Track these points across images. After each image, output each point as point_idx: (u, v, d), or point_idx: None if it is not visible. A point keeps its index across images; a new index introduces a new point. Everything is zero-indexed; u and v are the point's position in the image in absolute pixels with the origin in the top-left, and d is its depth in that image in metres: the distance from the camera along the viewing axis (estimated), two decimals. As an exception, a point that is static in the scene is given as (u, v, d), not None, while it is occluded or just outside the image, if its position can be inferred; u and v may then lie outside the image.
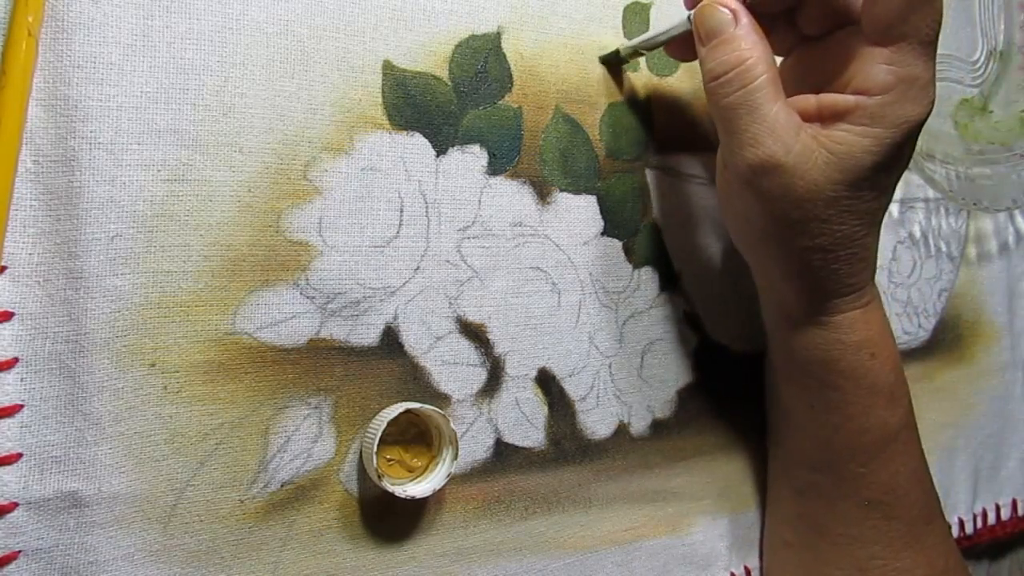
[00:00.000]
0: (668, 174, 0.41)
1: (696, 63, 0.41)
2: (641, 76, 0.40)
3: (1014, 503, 0.53)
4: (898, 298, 0.49)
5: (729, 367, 0.43)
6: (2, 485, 0.27)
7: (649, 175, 0.40)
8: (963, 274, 0.52)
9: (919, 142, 0.34)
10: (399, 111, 0.34)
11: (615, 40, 0.39)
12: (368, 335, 0.33)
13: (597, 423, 0.38)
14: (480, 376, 0.36)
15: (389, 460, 0.33)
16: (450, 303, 0.35)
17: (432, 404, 0.34)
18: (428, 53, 0.35)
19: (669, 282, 0.41)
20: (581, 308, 0.38)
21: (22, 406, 0.27)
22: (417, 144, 0.34)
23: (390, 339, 0.34)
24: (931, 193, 0.51)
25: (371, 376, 0.33)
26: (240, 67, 0.31)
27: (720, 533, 0.42)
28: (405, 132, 0.34)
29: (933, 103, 0.32)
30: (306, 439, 0.32)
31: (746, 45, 0.32)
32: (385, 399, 0.34)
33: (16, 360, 0.27)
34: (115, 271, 0.28)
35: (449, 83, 0.35)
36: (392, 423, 0.32)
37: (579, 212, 0.38)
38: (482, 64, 0.36)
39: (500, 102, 0.36)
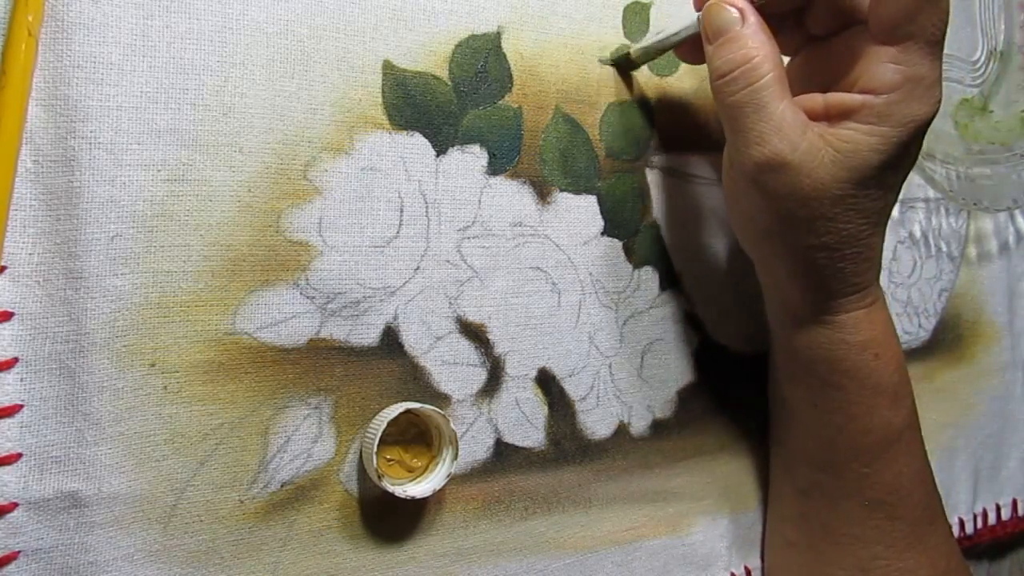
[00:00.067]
0: (668, 174, 0.41)
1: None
2: (641, 76, 0.40)
3: (1014, 503, 0.53)
4: (898, 298, 0.49)
5: (729, 367, 0.43)
6: (2, 485, 0.27)
7: (649, 175, 0.40)
8: (963, 274, 0.52)
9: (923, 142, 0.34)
10: (399, 111, 0.34)
11: (615, 40, 0.39)
12: (368, 335, 0.33)
13: (597, 423, 0.38)
14: (480, 376, 0.36)
15: (389, 460, 0.33)
16: (450, 303, 0.35)
17: (432, 404, 0.34)
18: (428, 53, 0.35)
19: (669, 282, 0.41)
20: (581, 308, 0.38)
21: (22, 406, 0.27)
22: (417, 144, 0.34)
23: (390, 339, 0.34)
24: (931, 193, 0.51)
25: (371, 376, 0.33)
26: (240, 67, 0.31)
27: (720, 533, 0.42)
28: (405, 132, 0.34)
29: (939, 102, 0.32)
30: (306, 439, 0.32)
31: (753, 43, 0.32)
32: (385, 399, 0.34)
33: (16, 360, 0.27)
34: (115, 271, 0.28)
35: (449, 83, 0.35)
36: (392, 423, 0.32)
37: (579, 212, 0.38)
38: (482, 64, 0.36)
39: (500, 102, 0.36)
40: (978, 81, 0.48)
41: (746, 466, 0.43)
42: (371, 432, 0.32)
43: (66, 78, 0.28)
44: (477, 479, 0.36)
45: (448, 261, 0.35)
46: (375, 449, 0.32)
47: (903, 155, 0.33)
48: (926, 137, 0.34)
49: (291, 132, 0.32)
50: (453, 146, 0.35)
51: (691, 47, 0.37)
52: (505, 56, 0.36)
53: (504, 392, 0.36)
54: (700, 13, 0.34)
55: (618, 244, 0.39)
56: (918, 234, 0.51)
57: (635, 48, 0.38)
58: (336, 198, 0.32)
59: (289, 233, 0.32)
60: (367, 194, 0.33)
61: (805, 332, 0.37)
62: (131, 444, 0.29)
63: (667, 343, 0.41)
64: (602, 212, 0.39)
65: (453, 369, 0.35)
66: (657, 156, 0.41)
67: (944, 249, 0.52)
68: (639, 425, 0.40)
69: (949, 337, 0.52)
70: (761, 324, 0.41)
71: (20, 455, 0.27)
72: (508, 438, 0.36)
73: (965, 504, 0.51)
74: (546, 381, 0.37)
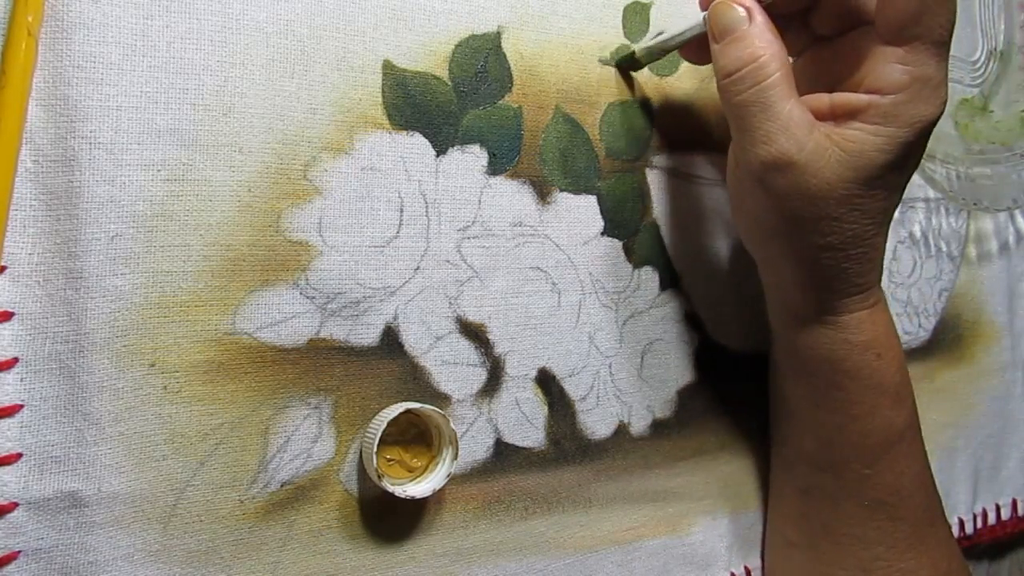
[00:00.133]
0: (668, 174, 0.41)
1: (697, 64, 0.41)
2: (642, 76, 0.40)
3: (1014, 503, 0.53)
4: (898, 298, 0.49)
5: (729, 367, 0.43)
6: (2, 485, 0.27)
7: (649, 175, 0.40)
8: (963, 274, 0.52)
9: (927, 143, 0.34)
10: (399, 111, 0.34)
11: (615, 40, 0.39)
12: (368, 335, 0.33)
13: (597, 423, 0.38)
14: (480, 376, 0.36)
15: (389, 460, 0.33)
16: (450, 303, 0.35)
17: (432, 404, 0.34)
18: (428, 53, 0.35)
19: (669, 282, 0.41)
20: (581, 308, 0.38)
21: (22, 406, 0.27)
22: (417, 144, 0.34)
23: (390, 339, 0.34)
24: (931, 193, 0.51)
25: (371, 376, 0.33)
26: (240, 67, 0.31)
27: (720, 533, 0.42)
28: (405, 132, 0.34)
29: (945, 103, 0.32)
30: (306, 439, 0.32)
31: (760, 42, 0.32)
32: (385, 399, 0.34)
33: (16, 360, 0.27)
34: (115, 271, 0.28)
35: (449, 83, 0.35)
36: (392, 423, 0.32)
37: (579, 212, 0.38)
38: (482, 64, 0.36)
39: (500, 102, 0.36)
40: (978, 81, 0.48)
41: (746, 466, 0.43)
42: (371, 432, 0.32)
43: (66, 78, 0.28)
44: (477, 479, 0.36)
45: (448, 261, 0.35)
46: (375, 449, 0.32)
47: (908, 155, 0.33)
48: (927, 137, 0.34)
49: (291, 132, 0.32)
50: (453, 146, 0.35)
51: (696, 47, 0.37)
52: (505, 56, 0.36)
53: (504, 392, 0.36)
54: (706, 12, 0.34)
55: (618, 244, 0.39)
56: (918, 234, 0.51)
57: (640, 48, 0.38)
58: (336, 198, 0.32)
59: (289, 233, 0.32)
60: (367, 194, 0.33)
61: (808, 332, 0.37)
62: (131, 444, 0.29)
63: (667, 343, 0.41)
64: (602, 212, 0.39)
65: (453, 369, 0.35)
66: (657, 156, 0.41)
67: (944, 249, 0.52)
68: (639, 425, 0.40)
69: (949, 337, 0.52)
70: (761, 324, 0.41)
71: (20, 455, 0.27)
72: (508, 438, 0.36)
73: (965, 504, 0.51)
74: (546, 381, 0.37)
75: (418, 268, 0.34)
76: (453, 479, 0.34)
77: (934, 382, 0.51)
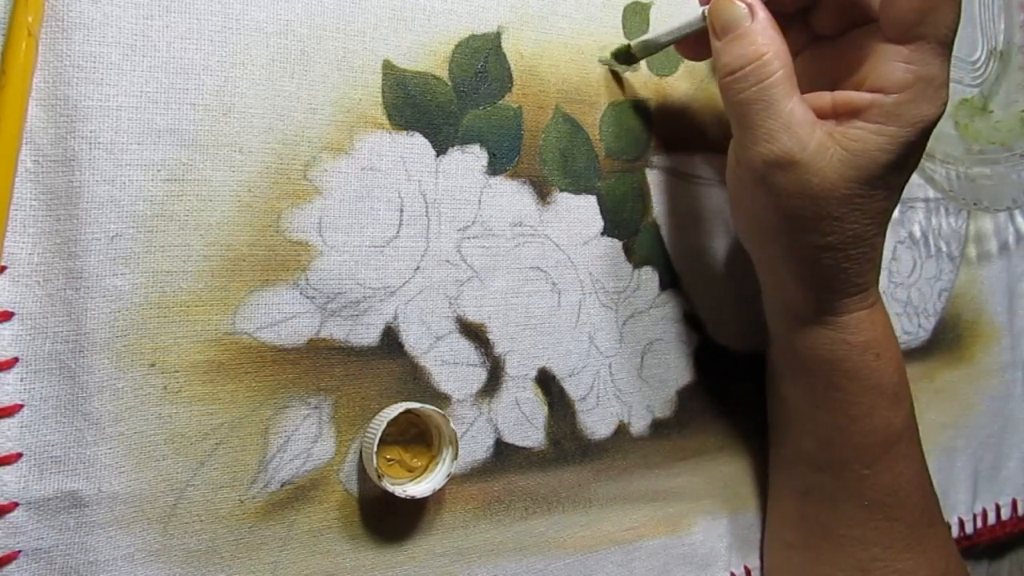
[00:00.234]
0: (668, 174, 0.41)
1: (696, 63, 0.41)
2: (641, 76, 0.40)
3: (1014, 503, 0.53)
4: (898, 298, 0.49)
5: (729, 367, 0.43)
6: (2, 485, 0.27)
7: (649, 175, 0.40)
8: (963, 274, 0.52)
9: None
10: (399, 111, 0.34)
11: (615, 40, 0.39)
12: (368, 335, 0.33)
13: (597, 423, 0.38)
14: (480, 376, 0.36)
15: (389, 460, 0.33)
16: (450, 303, 0.35)
17: (432, 404, 0.34)
18: (428, 53, 0.35)
19: (669, 282, 0.41)
20: (581, 308, 0.38)
21: (22, 406, 0.27)
22: (417, 144, 0.34)
23: (390, 339, 0.34)
24: (931, 193, 0.51)
25: (371, 376, 0.33)
26: (240, 67, 0.31)
27: (720, 533, 0.42)
28: (405, 132, 0.34)
29: (946, 104, 0.32)
30: (306, 439, 0.32)
31: (763, 40, 0.32)
32: (385, 399, 0.34)
33: (16, 360, 0.27)
34: (115, 271, 0.28)
35: (449, 83, 0.35)
36: (392, 423, 0.32)
37: (579, 212, 0.38)
38: (482, 64, 0.36)
39: (500, 102, 0.36)
40: (978, 81, 0.48)
41: (746, 466, 0.43)
42: (371, 432, 0.32)
43: (66, 78, 0.28)
44: (477, 479, 0.36)
45: (448, 261, 0.35)
46: (375, 449, 0.32)
47: (910, 155, 0.33)
48: (925, 137, 0.34)
49: (291, 132, 0.32)
50: (453, 146, 0.35)
51: (693, 43, 0.37)
52: (505, 56, 0.36)
53: (504, 392, 0.36)
54: (705, 8, 0.34)
55: (618, 244, 0.39)
56: (918, 234, 0.51)
57: (635, 42, 0.38)
58: (336, 198, 0.32)
59: (289, 233, 0.32)
60: (367, 194, 0.33)
61: (806, 332, 0.37)
62: (131, 444, 0.29)
63: (667, 343, 0.41)
64: (602, 212, 0.39)
65: (453, 369, 0.35)
66: (657, 156, 0.41)
67: (944, 249, 0.52)
68: (639, 425, 0.40)
69: (949, 337, 0.52)
70: (761, 324, 0.41)
71: (20, 455, 0.27)
72: (508, 438, 0.36)
73: (965, 504, 0.51)
74: (546, 381, 0.37)
75: (418, 268, 0.34)
76: (453, 479, 0.34)
77: (934, 382, 0.51)
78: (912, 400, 0.38)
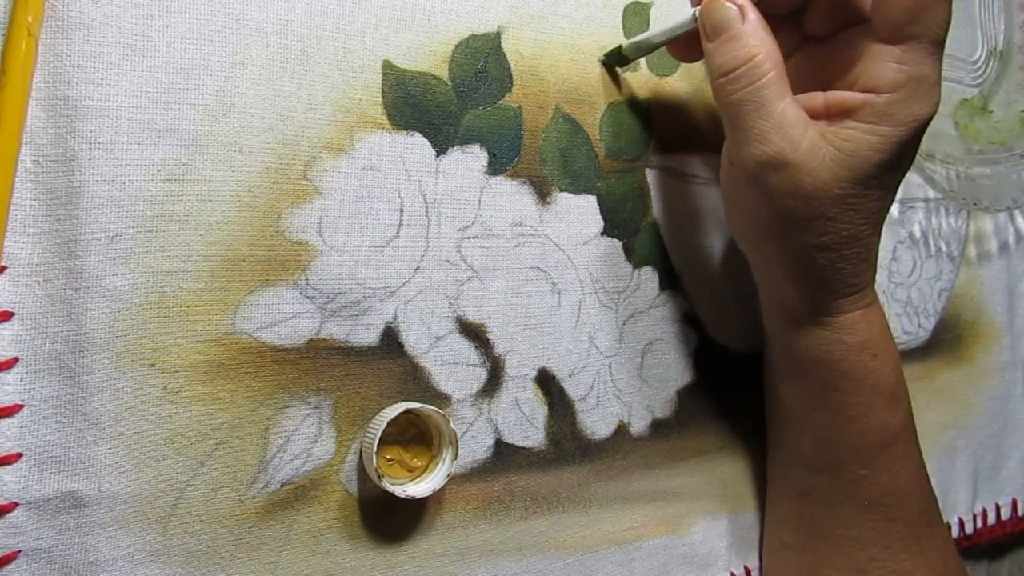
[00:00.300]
0: (668, 174, 0.41)
1: (696, 63, 0.41)
2: (641, 76, 0.40)
3: (1014, 503, 0.53)
4: (898, 298, 0.49)
5: (729, 367, 0.43)
6: (2, 485, 0.27)
7: (649, 175, 0.40)
8: (963, 274, 0.52)
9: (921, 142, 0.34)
10: (399, 111, 0.34)
11: (615, 40, 0.39)
12: (368, 335, 0.33)
13: (597, 423, 0.38)
14: (480, 376, 0.36)
15: (389, 460, 0.33)
16: (450, 303, 0.35)
17: (432, 404, 0.34)
18: (428, 53, 0.35)
19: (669, 282, 0.41)
20: (581, 308, 0.38)
21: (22, 406, 0.27)
22: (417, 144, 0.34)
23: (390, 339, 0.34)
24: (931, 193, 0.51)
25: (371, 376, 0.33)
26: (240, 67, 0.31)
27: (720, 533, 0.42)
28: (405, 132, 0.34)
29: (939, 103, 0.32)
30: (306, 439, 0.32)
31: (754, 41, 0.32)
32: (385, 399, 0.34)
33: (16, 360, 0.27)
34: (115, 271, 0.28)
35: (449, 83, 0.35)
36: (392, 423, 0.32)
37: (579, 212, 0.38)
38: (482, 64, 0.36)
39: (500, 102, 0.36)
40: (978, 81, 0.48)
41: (746, 466, 0.43)
42: (371, 432, 0.32)
43: (66, 78, 0.28)
44: (477, 479, 0.36)
45: (448, 261, 0.35)
46: (375, 449, 0.32)
47: (903, 155, 0.33)
48: (926, 137, 0.34)
49: (291, 132, 0.32)
50: (453, 146, 0.35)
51: (684, 44, 0.37)
52: (505, 56, 0.36)
53: (504, 392, 0.36)
54: (696, 9, 0.34)
55: (618, 244, 0.39)
56: (918, 234, 0.51)
57: (627, 44, 0.38)
58: (336, 198, 0.32)
59: (289, 233, 0.32)
60: (367, 194, 0.33)
61: (803, 333, 0.37)
62: (131, 444, 0.29)
63: (667, 343, 0.41)
64: (602, 212, 0.39)
65: (453, 369, 0.35)
66: (657, 156, 0.41)
67: (944, 249, 0.52)
68: (639, 425, 0.40)
69: (949, 337, 0.52)
70: (761, 324, 0.41)
71: (20, 455, 0.27)
72: (508, 438, 0.36)
73: (965, 504, 0.51)
74: (546, 381, 0.37)
75: (418, 268, 0.34)
76: (453, 479, 0.34)
77: (934, 382, 0.51)
78: (910, 400, 0.38)
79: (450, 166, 0.35)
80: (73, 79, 0.28)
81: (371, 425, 0.32)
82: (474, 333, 0.36)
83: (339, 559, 0.33)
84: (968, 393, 0.52)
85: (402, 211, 0.34)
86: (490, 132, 0.36)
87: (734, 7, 0.32)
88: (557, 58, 0.38)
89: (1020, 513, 0.53)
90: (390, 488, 0.32)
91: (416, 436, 0.34)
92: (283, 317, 0.31)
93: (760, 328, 0.42)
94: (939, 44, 0.32)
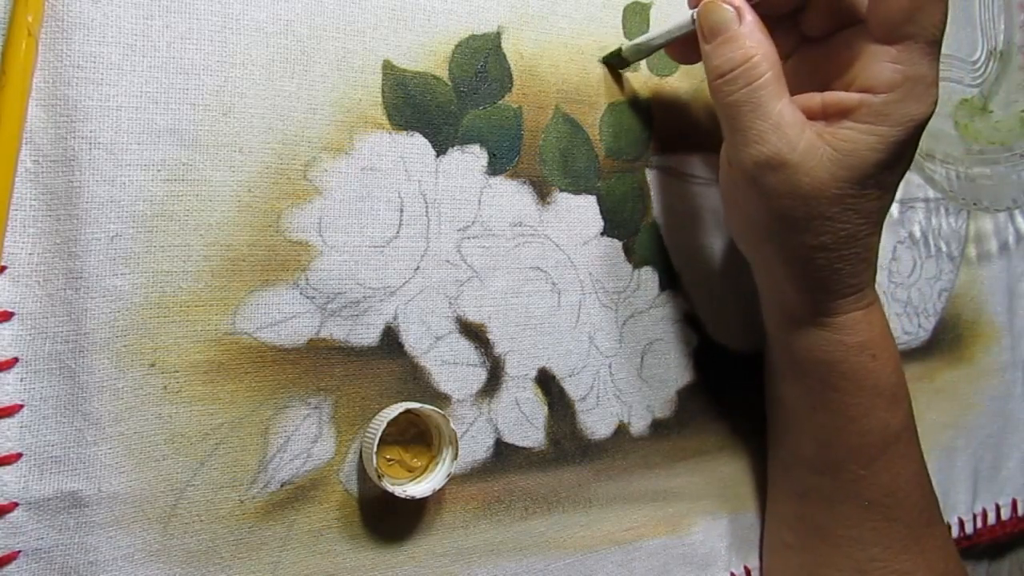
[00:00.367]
0: (668, 174, 0.41)
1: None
2: (641, 76, 0.40)
3: (1014, 503, 0.53)
4: (898, 298, 0.49)
5: (729, 367, 0.43)
6: (2, 485, 0.27)
7: (649, 175, 0.40)
8: (963, 274, 0.52)
9: (919, 142, 0.34)
10: (399, 111, 0.34)
11: (615, 40, 0.39)
12: (368, 335, 0.33)
13: (597, 423, 0.38)
14: (480, 376, 0.36)
15: (389, 460, 0.33)
16: (450, 303, 0.35)
17: (432, 404, 0.34)
18: (428, 53, 0.35)
19: (669, 282, 0.41)
20: (581, 308, 0.38)
21: (22, 406, 0.27)
22: (417, 144, 0.34)
23: (390, 339, 0.34)
24: (931, 193, 0.51)
25: (371, 376, 0.33)
26: (240, 67, 0.31)
27: (720, 533, 0.42)
28: (405, 132, 0.34)
29: (936, 103, 0.33)
30: (306, 439, 0.32)
31: (751, 42, 0.32)
32: (385, 399, 0.34)
33: (16, 360, 0.27)
34: (115, 271, 0.28)
35: (449, 83, 0.35)
36: (392, 423, 0.32)
37: (579, 212, 0.38)
38: (482, 64, 0.36)
39: (500, 102, 0.36)
40: (978, 81, 0.48)
41: (746, 466, 0.43)
42: (371, 432, 0.32)
43: (66, 78, 0.28)
44: (477, 479, 0.36)
45: (448, 261, 0.35)
46: (375, 449, 0.32)
47: (901, 154, 0.33)
48: (926, 137, 0.34)
49: (291, 132, 0.32)
50: (453, 146, 0.35)
51: (682, 46, 0.37)
52: (505, 56, 0.36)
53: (504, 392, 0.36)
54: (694, 11, 0.34)
55: (618, 244, 0.39)
56: (918, 234, 0.51)
57: (626, 46, 0.38)
58: (336, 198, 0.32)
59: (289, 233, 0.32)
60: (367, 194, 0.33)
61: (803, 334, 0.37)
62: (131, 444, 0.29)
63: (667, 343, 0.41)
64: (602, 212, 0.39)
65: (453, 369, 0.35)
66: (657, 156, 0.41)
67: (944, 249, 0.52)
68: (639, 425, 0.40)
69: (949, 337, 0.52)
70: (761, 324, 0.41)
71: (20, 455, 0.27)
72: (508, 438, 0.36)
73: (965, 504, 0.51)
74: (546, 381, 0.37)
75: (418, 268, 0.34)
76: (453, 479, 0.34)
77: (934, 382, 0.51)
78: (910, 400, 0.38)
79: (450, 166, 0.35)
80: (73, 79, 0.28)
81: (371, 425, 0.32)
82: (474, 333, 0.36)
83: (339, 559, 0.33)
84: (968, 393, 0.52)
85: (402, 211, 0.34)
86: (490, 132, 0.36)
87: (731, 9, 0.32)
88: (557, 58, 0.38)
89: (1020, 513, 0.53)
90: (390, 488, 0.32)
91: (416, 436, 0.34)
92: (283, 317, 0.31)
93: (760, 328, 0.42)
94: (935, 44, 0.32)
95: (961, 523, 0.51)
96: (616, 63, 0.39)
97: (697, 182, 0.42)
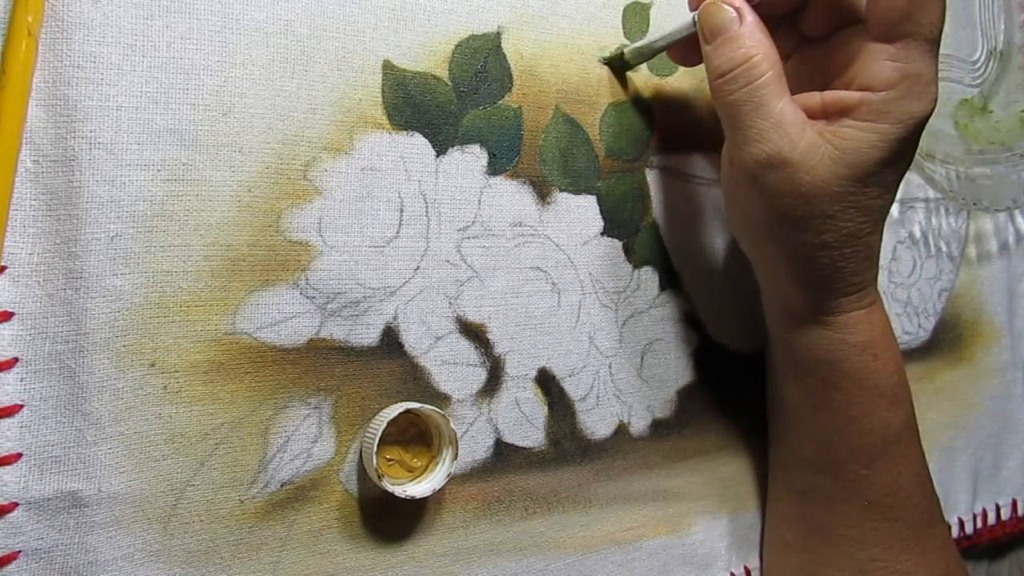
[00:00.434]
0: (668, 174, 0.41)
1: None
2: (641, 76, 0.40)
3: (1014, 503, 0.53)
4: (898, 298, 0.49)
5: (729, 367, 0.43)
6: (2, 485, 0.27)
7: (649, 175, 0.40)
8: (963, 274, 0.52)
9: (919, 142, 0.34)
10: (399, 111, 0.34)
11: (615, 40, 0.39)
12: (368, 335, 0.33)
13: (597, 423, 0.38)
14: (480, 376, 0.36)
15: (389, 460, 0.33)
16: (450, 303, 0.35)
17: (432, 404, 0.34)
18: (428, 53, 0.35)
19: (669, 282, 0.41)
20: (581, 308, 0.38)
21: (22, 406, 0.27)
22: (417, 144, 0.34)
23: (390, 339, 0.34)
24: (931, 193, 0.51)
25: (371, 376, 0.33)
26: (240, 67, 0.31)
27: (720, 533, 0.42)
28: (405, 132, 0.34)
29: (936, 100, 0.33)
30: (306, 439, 0.32)
31: (751, 42, 0.32)
32: (385, 399, 0.34)
33: (16, 360, 0.27)
34: (115, 271, 0.28)
35: (449, 83, 0.35)
36: (392, 423, 0.32)
37: (579, 212, 0.38)
38: (482, 64, 0.36)
39: (500, 102, 0.36)
40: (978, 81, 0.48)
41: (746, 466, 0.43)
42: (371, 432, 0.32)
43: (66, 78, 0.28)
44: (477, 479, 0.36)
45: (448, 261, 0.35)
46: (375, 449, 0.32)
47: (902, 152, 0.33)
48: (926, 137, 0.34)
49: (291, 132, 0.32)
50: (453, 146, 0.35)
51: (683, 49, 0.37)
52: (505, 56, 0.36)
53: (504, 392, 0.36)
54: (695, 13, 0.34)
55: (618, 244, 0.39)
56: (918, 234, 0.51)
57: (628, 49, 0.38)
58: (336, 198, 0.32)
59: (289, 233, 0.32)
60: (367, 194, 0.33)
61: (804, 333, 0.37)
62: (131, 444, 0.29)
63: (667, 343, 0.41)
64: (602, 212, 0.39)
65: (453, 369, 0.35)
66: (657, 156, 0.41)
67: (944, 249, 0.52)
68: (639, 425, 0.40)
69: (949, 337, 0.52)
70: (761, 323, 0.41)
71: (20, 455, 0.27)
72: (508, 438, 0.36)
73: (965, 504, 0.51)
74: (546, 381, 0.37)
75: (418, 268, 0.34)
76: (453, 479, 0.34)
77: (934, 382, 0.51)
78: (912, 400, 0.38)
79: (450, 166, 0.35)
80: (73, 79, 0.28)
81: (371, 425, 0.32)
82: (474, 333, 0.36)
83: (339, 559, 0.33)
84: (968, 393, 0.52)
85: (402, 211, 0.34)
86: (490, 132, 0.36)
87: (732, 10, 0.33)
88: (557, 58, 0.38)
89: (1020, 513, 0.53)
90: (390, 488, 0.32)
91: (416, 436, 0.34)
92: (283, 317, 0.31)
93: (760, 328, 0.42)
94: (934, 42, 0.32)
95: (961, 523, 0.51)
96: (618, 66, 0.39)
97: (697, 182, 0.42)
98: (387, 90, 0.34)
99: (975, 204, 0.48)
